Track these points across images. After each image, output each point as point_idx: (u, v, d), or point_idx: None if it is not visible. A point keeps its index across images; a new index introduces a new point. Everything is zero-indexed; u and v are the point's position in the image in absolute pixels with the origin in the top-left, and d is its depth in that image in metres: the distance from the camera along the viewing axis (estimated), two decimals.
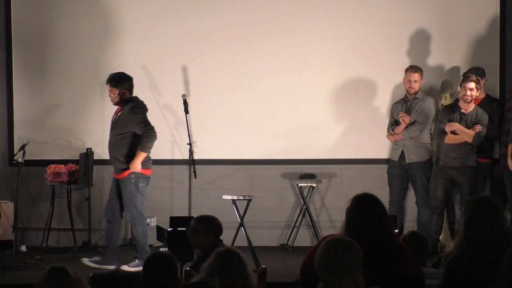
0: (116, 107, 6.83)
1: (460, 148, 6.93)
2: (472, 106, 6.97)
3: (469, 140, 6.87)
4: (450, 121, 6.97)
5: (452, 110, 7.03)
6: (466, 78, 6.94)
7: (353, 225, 3.70)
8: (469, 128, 6.90)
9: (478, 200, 3.81)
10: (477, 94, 6.93)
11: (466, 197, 4.00)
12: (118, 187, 6.74)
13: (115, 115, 6.81)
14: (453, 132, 6.93)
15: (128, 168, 6.62)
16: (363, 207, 3.72)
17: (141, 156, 6.62)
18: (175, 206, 7.87)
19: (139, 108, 6.74)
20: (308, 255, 3.77)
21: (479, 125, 6.86)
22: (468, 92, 6.85)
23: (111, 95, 6.71)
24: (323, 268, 3.10)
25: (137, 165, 6.60)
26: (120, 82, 6.69)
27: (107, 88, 6.77)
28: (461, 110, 6.97)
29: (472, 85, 6.83)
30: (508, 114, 6.99)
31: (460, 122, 6.94)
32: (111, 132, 6.80)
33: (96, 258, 6.71)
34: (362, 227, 3.66)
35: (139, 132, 6.67)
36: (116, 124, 6.75)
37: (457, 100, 7.18)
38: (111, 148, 6.78)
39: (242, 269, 3.77)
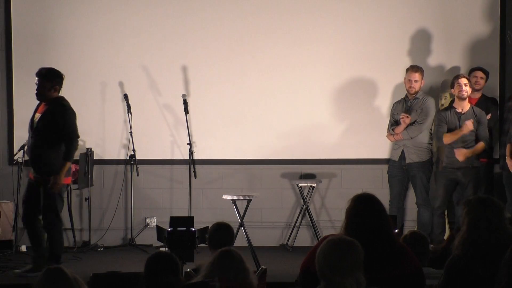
0: (34, 105, 6.47)
1: (465, 149, 6.94)
2: (467, 105, 6.99)
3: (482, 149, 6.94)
4: (447, 122, 7.00)
5: (448, 112, 7.06)
6: (456, 76, 7.02)
7: (353, 225, 3.69)
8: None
9: (482, 201, 3.81)
10: (470, 91, 6.97)
11: (468, 197, 3.99)
12: (35, 189, 6.33)
13: (39, 114, 6.29)
14: (449, 130, 6.96)
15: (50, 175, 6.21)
16: (363, 207, 3.72)
17: (67, 167, 6.25)
18: (175, 206, 7.87)
19: (72, 110, 6.36)
20: (308, 255, 3.77)
21: (481, 142, 6.92)
22: (463, 88, 6.91)
23: (40, 88, 6.27)
24: (325, 267, 3.10)
25: (63, 178, 6.23)
26: (54, 77, 6.33)
27: (35, 81, 6.32)
28: (457, 110, 6.99)
29: (464, 80, 6.92)
30: (508, 115, 6.99)
31: (459, 122, 6.95)
32: (34, 132, 6.26)
33: (28, 267, 6.36)
34: (362, 227, 3.66)
35: (65, 135, 6.23)
36: (44, 123, 6.24)
37: (451, 103, 7.20)
38: (34, 149, 6.26)
39: (240, 268, 3.77)
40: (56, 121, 6.26)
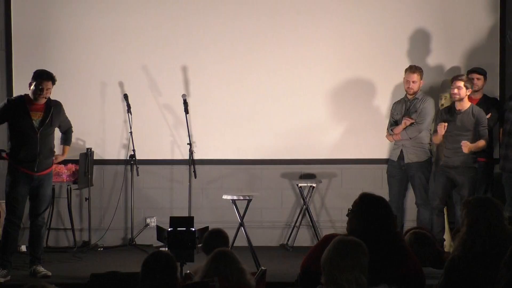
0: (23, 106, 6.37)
1: (460, 149, 6.94)
2: (467, 105, 6.98)
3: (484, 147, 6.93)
4: (445, 121, 7.00)
5: (448, 111, 7.07)
6: (455, 76, 7.00)
7: (358, 224, 3.70)
8: (466, 125, 6.90)
9: (481, 201, 3.81)
10: (467, 93, 6.94)
11: (467, 198, 3.99)
12: (29, 188, 6.39)
13: (42, 113, 6.33)
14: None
15: (52, 162, 6.57)
16: (368, 208, 3.73)
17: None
18: (175, 206, 7.87)
19: None
20: (308, 254, 3.78)
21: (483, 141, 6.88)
22: (455, 91, 6.91)
23: (49, 93, 6.36)
24: (326, 261, 3.18)
25: None
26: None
27: (46, 85, 6.30)
28: (456, 109, 7.00)
29: (459, 83, 6.89)
30: (509, 115, 6.99)
31: (455, 121, 6.96)
32: (43, 130, 6.32)
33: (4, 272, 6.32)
34: (367, 227, 3.66)
35: (67, 127, 6.78)
36: (53, 121, 6.41)
37: (454, 102, 7.21)
38: (43, 145, 6.35)
39: (235, 268, 3.77)
40: (62, 118, 6.69)
